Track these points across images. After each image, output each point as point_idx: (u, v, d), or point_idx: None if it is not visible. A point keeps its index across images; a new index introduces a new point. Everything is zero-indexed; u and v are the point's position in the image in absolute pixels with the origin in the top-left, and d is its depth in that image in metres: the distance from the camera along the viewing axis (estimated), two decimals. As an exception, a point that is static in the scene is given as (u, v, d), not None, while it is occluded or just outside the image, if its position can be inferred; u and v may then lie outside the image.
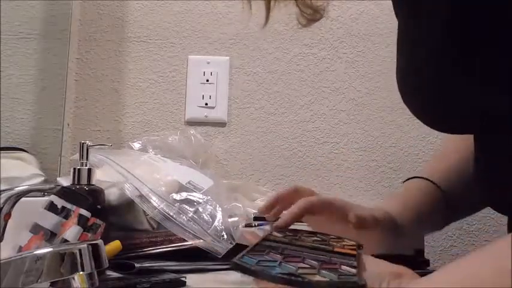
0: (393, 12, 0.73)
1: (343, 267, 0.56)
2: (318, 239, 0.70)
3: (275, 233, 0.70)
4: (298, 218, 0.75)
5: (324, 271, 0.54)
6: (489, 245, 0.52)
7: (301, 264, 0.55)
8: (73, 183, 0.95)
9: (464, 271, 0.51)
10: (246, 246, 0.73)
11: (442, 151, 0.96)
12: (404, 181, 0.92)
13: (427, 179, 0.88)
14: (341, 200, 0.80)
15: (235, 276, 0.90)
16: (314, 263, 0.56)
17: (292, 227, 0.76)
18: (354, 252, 0.63)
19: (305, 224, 0.81)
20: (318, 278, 0.52)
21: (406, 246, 0.88)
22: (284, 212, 0.81)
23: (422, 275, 0.62)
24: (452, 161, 0.89)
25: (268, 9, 0.75)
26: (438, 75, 0.63)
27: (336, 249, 0.64)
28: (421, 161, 1.36)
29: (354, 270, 0.55)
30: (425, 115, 0.68)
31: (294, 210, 0.75)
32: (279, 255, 0.58)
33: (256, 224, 1.04)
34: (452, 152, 0.90)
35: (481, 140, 0.70)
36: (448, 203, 0.86)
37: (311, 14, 0.77)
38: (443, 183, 0.87)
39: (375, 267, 0.61)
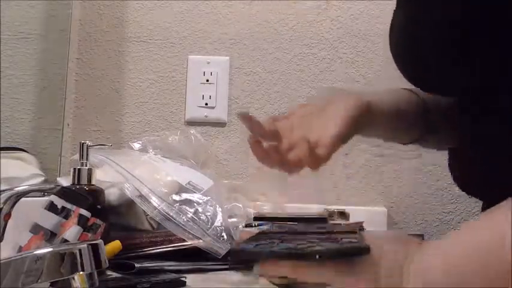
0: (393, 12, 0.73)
1: (344, 239, 0.56)
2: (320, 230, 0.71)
3: (274, 227, 0.70)
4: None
5: (324, 243, 0.54)
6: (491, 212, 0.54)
7: (301, 242, 0.55)
8: (73, 183, 0.95)
9: (469, 237, 0.53)
10: None
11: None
12: None
13: (405, 89, 0.84)
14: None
15: (235, 276, 0.90)
16: (314, 239, 0.56)
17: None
18: (356, 231, 0.63)
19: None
20: (319, 248, 0.52)
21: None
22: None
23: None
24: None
25: None
26: (438, 75, 0.63)
27: (336, 230, 0.65)
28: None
29: (355, 240, 0.55)
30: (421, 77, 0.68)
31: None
32: (277, 240, 0.58)
33: (256, 224, 1.04)
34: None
35: (480, 139, 0.69)
36: (425, 109, 0.84)
37: None
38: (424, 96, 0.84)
39: (378, 242, 0.60)
